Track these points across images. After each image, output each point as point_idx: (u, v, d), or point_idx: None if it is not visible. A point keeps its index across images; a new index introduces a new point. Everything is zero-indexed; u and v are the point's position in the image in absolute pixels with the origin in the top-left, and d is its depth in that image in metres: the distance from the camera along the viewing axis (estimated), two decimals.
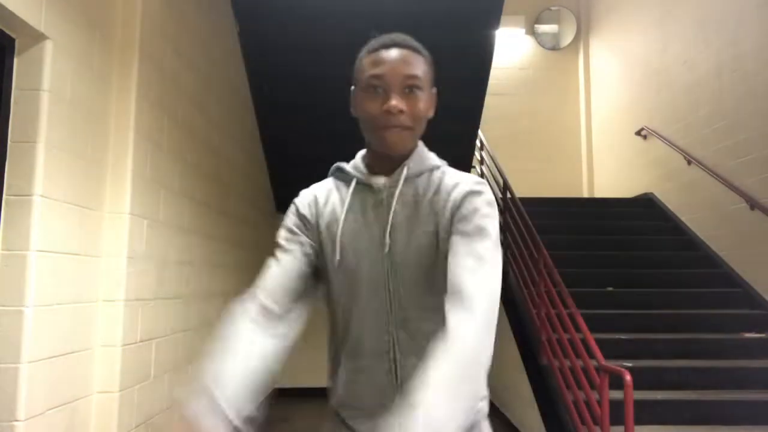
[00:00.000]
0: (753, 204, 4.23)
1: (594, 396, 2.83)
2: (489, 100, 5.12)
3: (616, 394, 2.66)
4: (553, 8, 8.00)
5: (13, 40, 1.99)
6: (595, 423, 2.79)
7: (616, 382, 2.58)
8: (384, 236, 1.01)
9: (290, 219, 1.10)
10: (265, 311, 1.02)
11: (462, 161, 5.59)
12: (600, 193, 7.40)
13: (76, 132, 2.20)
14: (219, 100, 3.83)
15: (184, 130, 3.16)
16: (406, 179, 1.04)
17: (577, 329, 3.08)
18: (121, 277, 2.45)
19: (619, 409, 2.55)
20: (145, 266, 2.67)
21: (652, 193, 6.02)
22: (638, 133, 6.26)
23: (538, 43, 7.98)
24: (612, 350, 3.58)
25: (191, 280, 3.31)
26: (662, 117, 5.80)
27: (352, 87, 1.06)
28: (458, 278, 0.89)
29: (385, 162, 1.05)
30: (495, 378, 5.34)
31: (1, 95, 1.97)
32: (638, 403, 2.91)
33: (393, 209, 1.02)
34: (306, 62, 4.51)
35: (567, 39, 7.99)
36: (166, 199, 2.92)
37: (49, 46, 2.03)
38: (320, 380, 6.52)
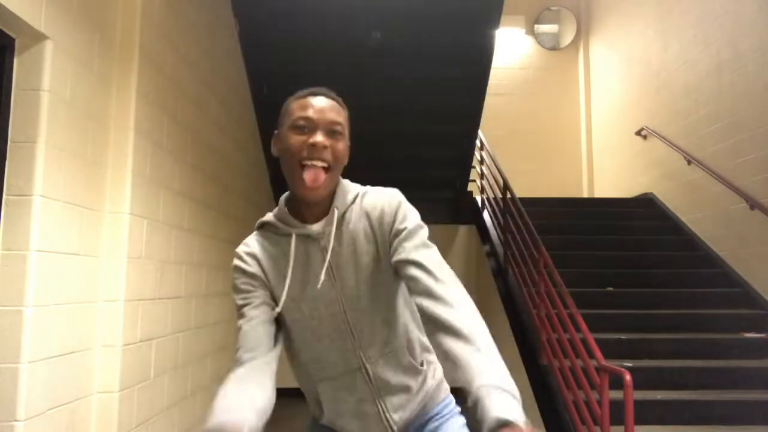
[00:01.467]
0: (753, 204, 4.23)
1: (594, 396, 2.83)
2: (489, 100, 5.12)
3: (616, 394, 2.66)
4: (553, 8, 7.99)
5: (13, 40, 1.99)
6: (595, 423, 2.79)
7: (616, 382, 2.58)
8: (332, 277, 1.11)
9: (240, 280, 1.14)
10: (253, 363, 1.09)
11: (462, 161, 5.59)
12: (600, 193, 7.40)
13: (76, 132, 2.20)
14: (219, 100, 3.83)
15: (184, 130, 3.16)
16: (339, 217, 1.11)
17: (577, 329, 3.08)
18: (121, 277, 2.45)
19: (619, 409, 2.55)
20: (145, 266, 2.67)
21: (652, 193, 6.02)
22: (638, 133, 6.26)
23: (538, 43, 7.98)
24: (612, 350, 3.58)
25: (191, 280, 3.31)
26: (662, 117, 5.80)
27: (276, 131, 1.14)
28: (431, 287, 1.01)
29: (314, 206, 1.11)
30: None
31: (1, 95, 1.97)
32: (638, 403, 2.91)
33: (331, 251, 1.10)
34: (306, 62, 4.51)
35: (567, 39, 7.99)
36: (166, 199, 2.92)
37: (49, 46, 2.03)
38: None
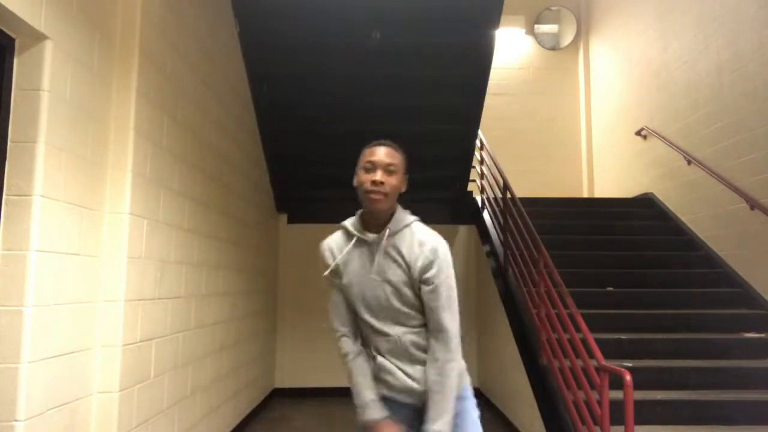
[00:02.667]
0: (753, 204, 4.23)
1: (594, 396, 2.83)
2: (489, 100, 5.12)
3: (616, 394, 2.66)
4: (553, 8, 8.00)
5: (13, 40, 2.00)
6: (595, 423, 2.79)
7: (616, 382, 2.58)
8: (372, 275, 1.63)
9: (325, 264, 1.69)
10: (351, 337, 1.74)
11: (462, 161, 5.59)
12: (600, 193, 7.40)
13: (76, 132, 2.20)
14: (219, 100, 3.83)
15: (184, 130, 3.16)
16: (388, 236, 1.62)
17: (577, 329, 3.08)
18: (121, 277, 2.45)
19: (619, 409, 2.55)
20: (145, 266, 2.67)
21: (652, 193, 6.02)
22: (638, 133, 6.26)
23: (538, 43, 7.98)
24: (612, 350, 3.58)
25: (191, 280, 3.31)
26: (662, 117, 5.80)
27: (357, 168, 1.65)
28: (439, 320, 1.59)
29: (374, 221, 1.64)
30: (495, 378, 5.34)
31: (1, 95, 1.97)
32: (638, 403, 2.90)
33: (377, 257, 1.62)
34: (305, 62, 4.51)
35: (567, 39, 7.99)
36: (166, 199, 2.92)
37: (49, 46, 2.03)
38: (319, 380, 6.56)
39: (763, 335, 3.87)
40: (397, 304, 1.61)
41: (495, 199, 5.31)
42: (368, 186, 1.57)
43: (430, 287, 1.57)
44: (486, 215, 5.75)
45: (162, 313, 2.88)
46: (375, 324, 1.65)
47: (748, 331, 3.96)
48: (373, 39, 4.19)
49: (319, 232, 6.77)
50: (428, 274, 1.57)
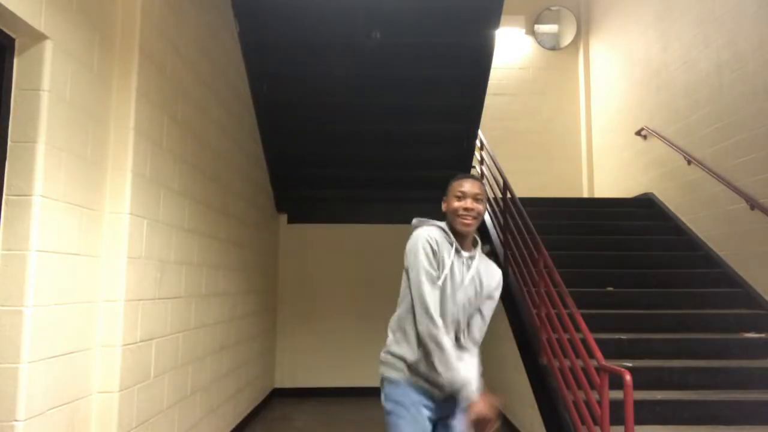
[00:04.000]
0: (753, 204, 4.23)
1: (594, 396, 2.83)
2: (489, 100, 5.12)
3: (616, 394, 2.66)
4: (553, 8, 8.00)
5: (13, 40, 2.00)
6: (595, 423, 2.79)
7: (616, 382, 2.58)
8: (465, 284, 1.92)
9: (428, 254, 1.86)
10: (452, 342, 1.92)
11: (462, 161, 5.59)
12: (600, 193, 7.40)
13: (76, 132, 2.20)
14: (219, 100, 3.83)
15: (184, 130, 3.16)
16: (479, 258, 1.97)
17: (577, 329, 3.08)
18: (121, 277, 2.45)
19: (619, 409, 2.55)
20: (145, 266, 2.67)
21: (652, 193, 6.02)
22: (638, 133, 6.26)
23: (538, 43, 7.98)
24: (612, 350, 3.58)
25: (191, 280, 3.31)
26: (662, 117, 5.80)
27: (445, 196, 1.99)
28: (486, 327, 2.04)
29: (460, 239, 1.94)
30: (495, 378, 5.33)
31: (1, 95, 1.97)
32: (638, 403, 2.90)
33: (470, 272, 1.93)
34: (305, 62, 4.51)
35: (567, 39, 7.99)
36: (166, 199, 2.92)
37: (49, 46, 2.03)
38: (319, 380, 6.54)
39: (763, 335, 3.87)
40: (467, 313, 1.94)
41: (495, 199, 5.31)
42: (461, 211, 1.90)
43: (493, 301, 2.00)
44: (486, 215, 5.75)
45: (162, 313, 2.88)
46: (451, 318, 1.91)
47: (748, 331, 3.96)
48: (373, 39, 4.19)
49: (319, 232, 6.75)
50: (495, 294, 2.00)
